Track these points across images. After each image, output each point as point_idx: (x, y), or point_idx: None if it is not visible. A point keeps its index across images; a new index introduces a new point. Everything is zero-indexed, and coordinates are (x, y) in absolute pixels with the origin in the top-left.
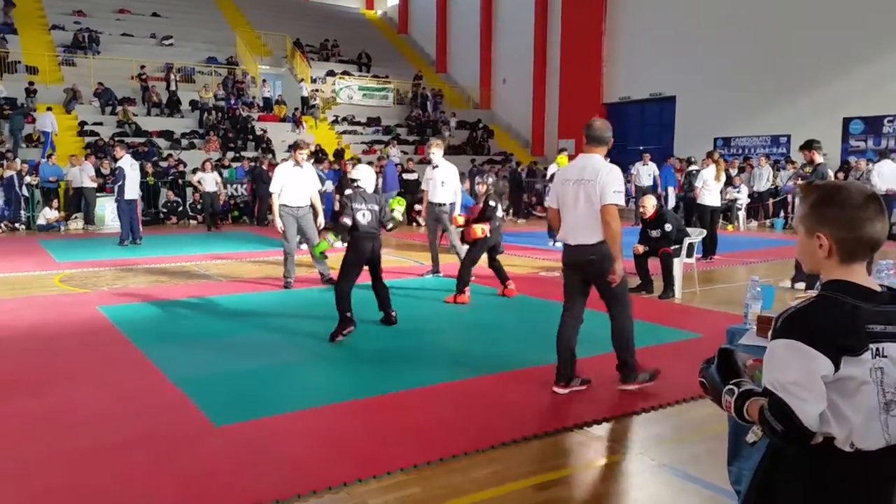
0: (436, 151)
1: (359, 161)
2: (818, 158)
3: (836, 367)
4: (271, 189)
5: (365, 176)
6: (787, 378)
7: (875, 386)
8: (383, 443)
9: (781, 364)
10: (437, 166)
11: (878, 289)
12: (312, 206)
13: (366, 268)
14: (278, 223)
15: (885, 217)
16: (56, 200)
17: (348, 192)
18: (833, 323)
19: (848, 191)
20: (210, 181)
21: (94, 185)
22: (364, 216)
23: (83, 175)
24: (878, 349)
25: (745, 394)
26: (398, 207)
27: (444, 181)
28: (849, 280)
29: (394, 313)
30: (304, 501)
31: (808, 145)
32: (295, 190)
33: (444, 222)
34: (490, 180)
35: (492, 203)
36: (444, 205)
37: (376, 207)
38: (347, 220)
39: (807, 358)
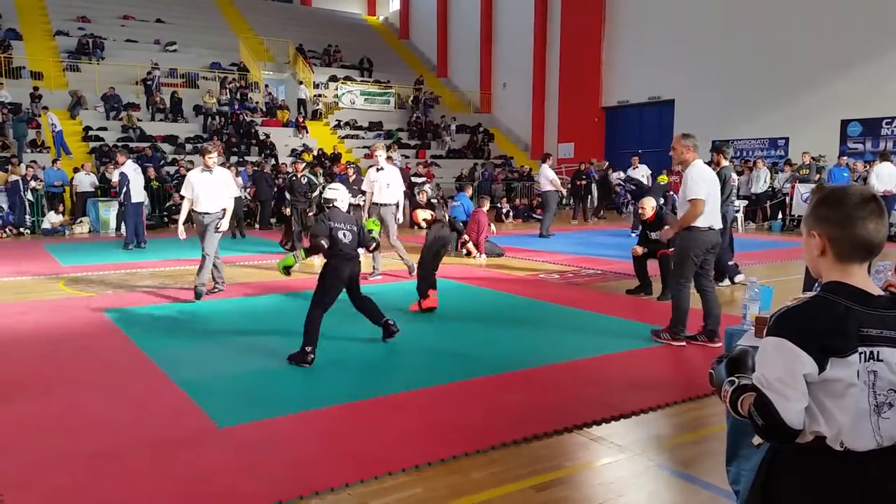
0: (380, 154)
1: (355, 163)
2: (724, 162)
3: (822, 368)
4: (183, 193)
5: (341, 196)
6: (772, 374)
7: (865, 388)
8: (384, 444)
9: (768, 361)
10: (381, 168)
11: (876, 292)
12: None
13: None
14: (181, 231)
15: (882, 219)
16: (61, 205)
17: (325, 211)
18: (821, 323)
19: (846, 191)
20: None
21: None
22: (345, 236)
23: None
24: (871, 353)
25: (742, 388)
26: (374, 229)
27: (389, 183)
28: (845, 282)
29: (391, 321)
30: (306, 502)
31: (718, 148)
32: (203, 196)
33: (387, 222)
34: (428, 188)
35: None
36: (389, 205)
37: (355, 228)
38: (324, 242)
39: (791, 355)
